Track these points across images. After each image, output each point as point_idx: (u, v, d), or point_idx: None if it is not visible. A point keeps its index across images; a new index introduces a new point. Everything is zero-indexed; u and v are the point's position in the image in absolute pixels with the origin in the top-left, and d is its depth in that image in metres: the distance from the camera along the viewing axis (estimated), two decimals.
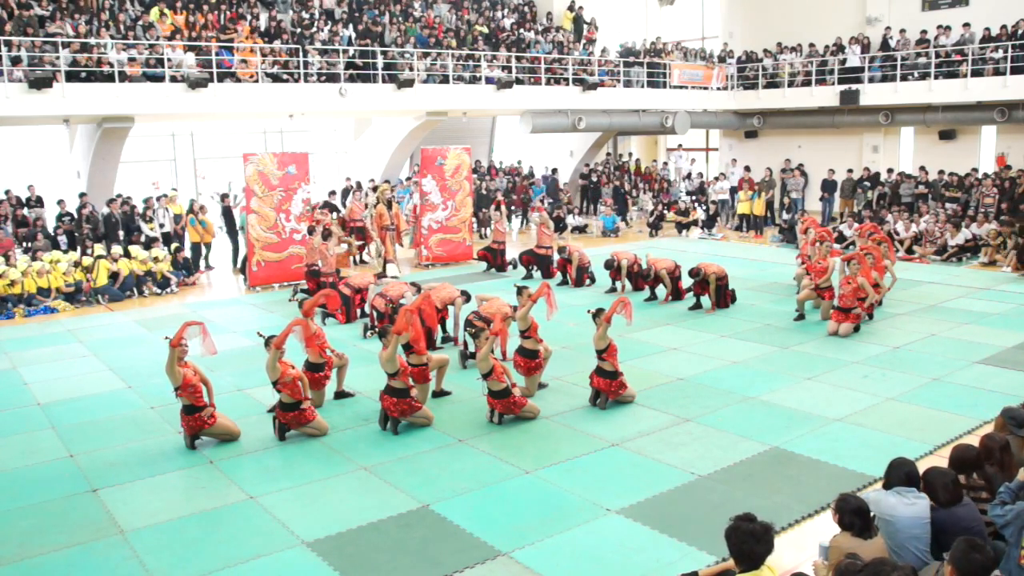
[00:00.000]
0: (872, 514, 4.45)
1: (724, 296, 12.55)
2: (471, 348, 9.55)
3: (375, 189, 17.51)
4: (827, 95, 21.45)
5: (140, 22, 16.88)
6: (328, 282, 12.72)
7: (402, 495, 6.38)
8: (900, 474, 4.58)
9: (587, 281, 14.55)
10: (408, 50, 19.35)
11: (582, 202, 24.48)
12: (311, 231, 13.84)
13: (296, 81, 17.36)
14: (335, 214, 17.69)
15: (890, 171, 20.93)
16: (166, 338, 7.38)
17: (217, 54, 16.51)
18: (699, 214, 21.28)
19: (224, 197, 17.28)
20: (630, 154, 28.54)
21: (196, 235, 16.47)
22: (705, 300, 12.54)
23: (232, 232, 17.09)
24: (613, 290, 13.78)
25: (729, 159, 24.73)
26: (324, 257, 13.15)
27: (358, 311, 12.27)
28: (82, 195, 16.16)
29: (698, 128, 24.74)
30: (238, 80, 16.78)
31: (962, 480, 4.70)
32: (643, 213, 23.43)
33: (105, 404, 8.74)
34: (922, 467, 6.23)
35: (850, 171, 21.35)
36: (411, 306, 8.11)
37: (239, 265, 16.78)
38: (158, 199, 16.84)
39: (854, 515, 4.32)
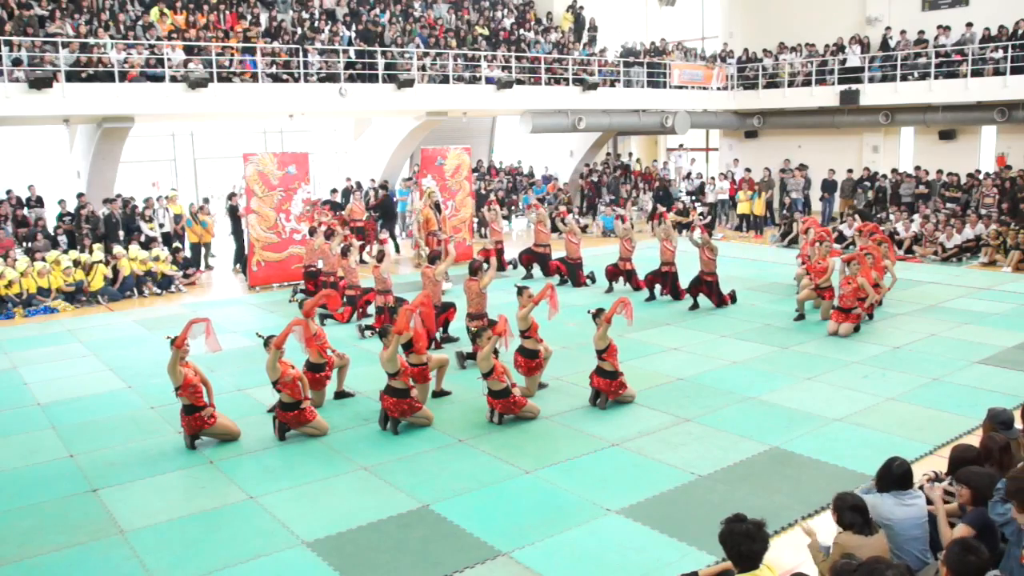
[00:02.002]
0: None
1: (718, 294, 12.51)
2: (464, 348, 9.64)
3: (419, 184, 16.46)
4: (827, 95, 21.45)
5: (140, 22, 16.88)
6: (328, 282, 12.71)
7: (402, 495, 6.38)
8: (892, 476, 4.57)
9: (587, 282, 14.57)
10: (408, 50, 19.36)
11: (582, 202, 24.48)
12: (312, 232, 13.82)
13: (296, 81, 17.36)
14: (335, 212, 17.68)
15: (894, 171, 20.88)
16: (168, 337, 7.38)
17: (218, 54, 16.51)
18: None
19: (232, 196, 17.28)
20: (630, 154, 28.54)
21: (196, 235, 16.48)
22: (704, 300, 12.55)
23: (237, 232, 17.07)
24: (610, 290, 13.78)
25: (731, 159, 24.74)
26: (326, 257, 13.13)
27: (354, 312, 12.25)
28: (80, 195, 16.17)
29: (698, 128, 24.74)
30: (237, 80, 16.77)
31: None
32: (643, 213, 23.45)
33: (105, 404, 8.74)
34: (922, 467, 6.26)
35: (850, 171, 21.36)
36: (411, 305, 8.12)
37: (237, 264, 16.82)
38: (158, 199, 16.85)
39: (853, 512, 4.31)
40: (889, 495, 4.51)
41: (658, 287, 13.24)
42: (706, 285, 12.51)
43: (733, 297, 12.78)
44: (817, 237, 12.48)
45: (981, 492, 4.46)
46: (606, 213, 21.29)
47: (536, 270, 15.43)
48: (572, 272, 14.55)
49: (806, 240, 13.18)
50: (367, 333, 11.16)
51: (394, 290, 11.61)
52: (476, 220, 18.89)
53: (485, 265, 10.25)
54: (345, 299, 12.22)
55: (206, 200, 16.90)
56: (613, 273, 13.85)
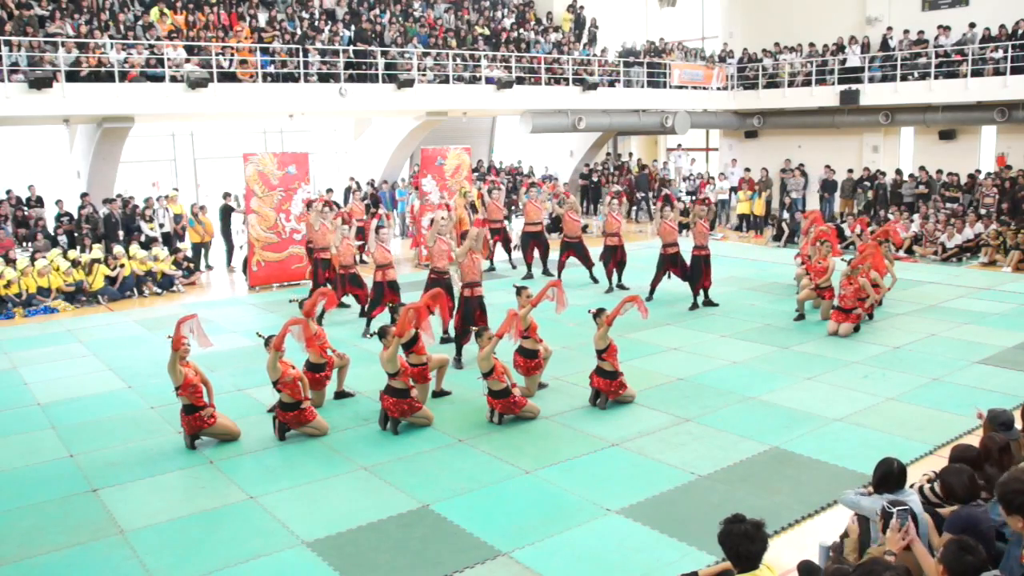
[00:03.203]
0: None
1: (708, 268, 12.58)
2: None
3: (464, 193, 16.06)
4: (827, 95, 21.45)
5: (140, 22, 16.89)
6: (321, 259, 12.77)
7: (402, 495, 6.38)
8: (894, 476, 4.57)
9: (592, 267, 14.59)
10: (408, 50, 19.36)
11: (582, 202, 24.48)
12: (309, 206, 13.82)
13: (296, 81, 17.36)
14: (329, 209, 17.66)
15: (898, 172, 20.84)
16: (168, 337, 7.39)
17: (218, 54, 16.52)
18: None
19: (227, 195, 17.28)
20: (630, 154, 28.55)
21: (196, 235, 16.48)
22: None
23: (227, 232, 17.06)
24: (611, 290, 13.78)
25: (729, 159, 24.75)
26: (309, 228, 13.18)
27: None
28: (84, 195, 16.18)
29: (698, 128, 24.74)
30: (237, 80, 16.77)
31: None
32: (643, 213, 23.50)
33: (105, 404, 8.74)
34: (922, 467, 6.26)
35: (850, 171, 21.36)
36: (413, 305, 8.09)
37: (230, 264, 16.86)
38: (158, 199, 16.85)
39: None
40: (888, 495, 4.50)
41: (665, 279, 13.22)
42: (704, 263, 12.50)
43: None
44: (818, 236, 12.43)
45: (953, 490, 4.47)
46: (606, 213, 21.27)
47: (536, 271, 15.40)
48: (579, 252, 14.46)
49: (806, 240, 13.17)
50: (368, 336, 11.10)
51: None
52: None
53: (475, 231, 10.08)
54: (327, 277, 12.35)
55: (202, 207, 16.88)
56: (611, 268, 13.86)
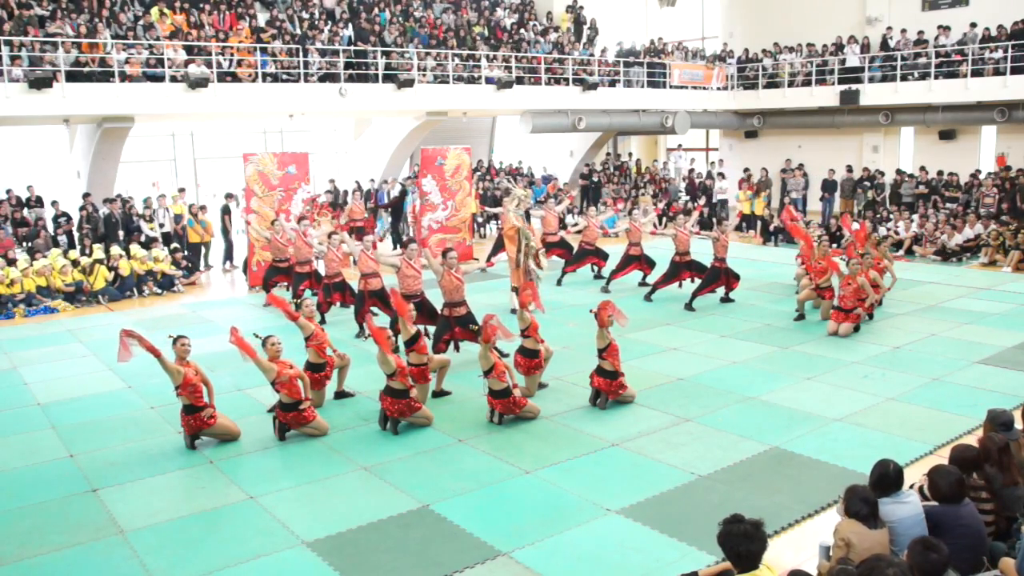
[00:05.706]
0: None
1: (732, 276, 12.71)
2: None
3: (507, 192, 14.63)
4: (827, 95, 21.46)
5: (140, 22, 16.88)
6: (298, 272, 12.95)
7: (402, 495, 6.38)
8: (890, 479, 4.58)
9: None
10: (408, 50, 19.37)
11: (582, 202, 24.47)
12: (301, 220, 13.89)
13: (296, 81, 17.36)
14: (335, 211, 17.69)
15: (899, 172, 20.81)
16: (170, 337, 7.40)
17: (218, 54, 16.51)
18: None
19: (229, 196, 17.28)
20: (630, 154, 28.55)
21: (196, 235, 16.48)
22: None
23: (226, 231, 17.05)
24: (607, 290, 13.76)
25: (722, 160, 24.78)
26: (275, 243, 13.49)
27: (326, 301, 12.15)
28: (86, 195, 16.17)
29: (698, 128, 24.76)
30: (237, 80, 16.76)
31: None
32: (644, 215, 23.44)
33: (105, 404, 8.74)
34: (922, 467, 6.26)
35: (850, 171, 21.36)
36: (373, 323, 7.93)
37: (226, 264, 16.86)
38: (158, 199, 16.86)
39: (863, 503, 4.31)
40: (887, 498, 4.51)
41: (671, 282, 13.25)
42: (724, 274, 12.67)
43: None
44: (806, 243, 12.38)
45: (939, 489, 4.50)
46: (607, 213, 21.26)
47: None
48: (598, 255, 14.75)
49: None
50: (364, 337, 11.07)
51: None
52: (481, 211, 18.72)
53: (453, 253, 9.76)
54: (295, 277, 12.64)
55: (202, 207, 16.89)
56: (622, 275, 14.03)
